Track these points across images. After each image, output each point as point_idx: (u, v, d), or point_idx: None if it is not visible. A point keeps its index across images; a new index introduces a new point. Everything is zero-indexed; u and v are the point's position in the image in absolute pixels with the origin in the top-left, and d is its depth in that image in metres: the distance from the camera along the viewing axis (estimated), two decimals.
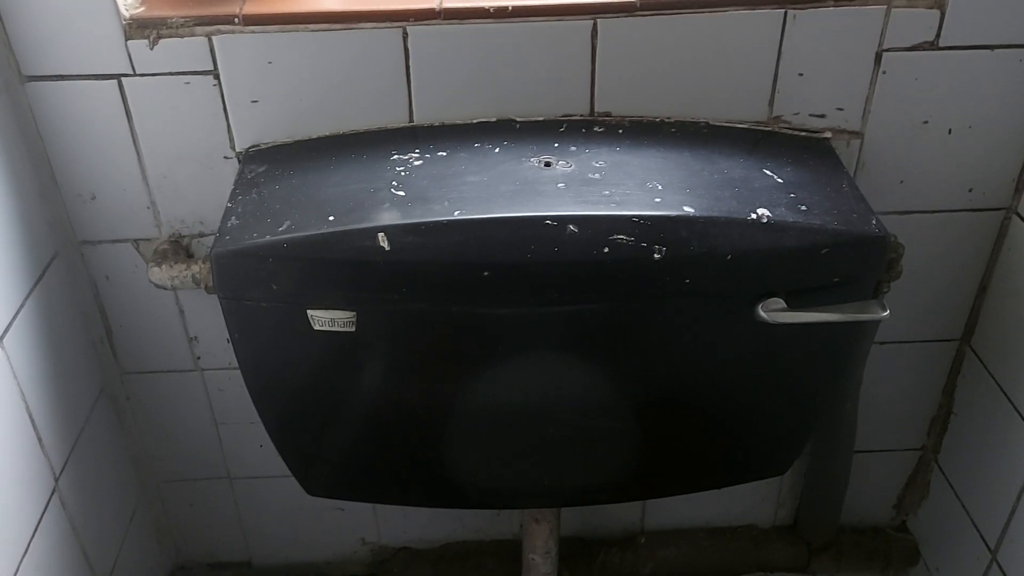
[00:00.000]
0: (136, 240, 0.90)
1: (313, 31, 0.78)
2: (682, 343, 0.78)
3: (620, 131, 0.82)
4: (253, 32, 0.78)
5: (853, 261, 0.74)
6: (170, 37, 0.78)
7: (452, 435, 0.84)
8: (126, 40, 0.78)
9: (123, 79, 0.80)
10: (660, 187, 0.74)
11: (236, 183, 0.80)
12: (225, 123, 0.83)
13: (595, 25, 0.79)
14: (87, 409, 0.95)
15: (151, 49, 0.78)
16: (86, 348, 0.95)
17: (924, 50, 0.81)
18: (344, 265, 0.71)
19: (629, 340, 0.77)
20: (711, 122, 0.84)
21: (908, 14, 0.79)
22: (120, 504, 1.03)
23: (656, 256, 0.69)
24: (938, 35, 0.80)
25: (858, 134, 0.86)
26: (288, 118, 0.83)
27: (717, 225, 0.70)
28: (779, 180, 0.77)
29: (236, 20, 0.77)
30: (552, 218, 0.70)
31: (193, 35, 0.78)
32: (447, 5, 0.77)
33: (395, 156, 0.79)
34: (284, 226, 0.72)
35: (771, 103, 0.84)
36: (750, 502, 1.17)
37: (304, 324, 0.73)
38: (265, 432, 0.84)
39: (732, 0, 0.78)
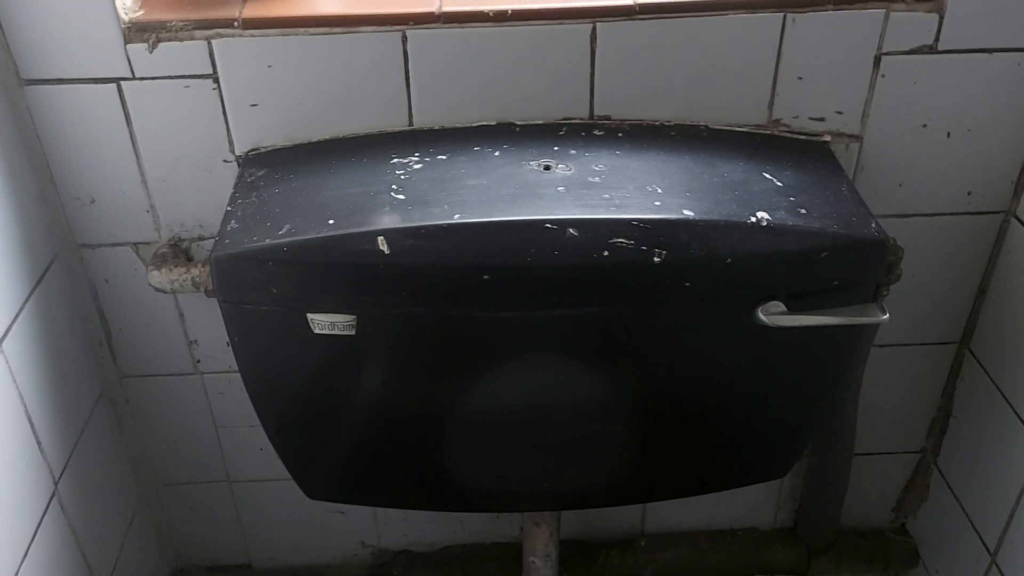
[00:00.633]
0: (135, 243, 0.90)
1: (313, 35, 0.78)
2: (682, 346, 0.78)
3: (620, 134, 0.82)
4: (252, 36, 0.78)
5: (852, 264, 0.74)
6: (169, 41, 0.78)
7: (452, 438, 0.83)
8: (125, 44, 0.78)
9: (122, 83, 0.80)
10: (660, 190, 0.74)
11: (236, 187, 0.80)
12: (225, 126, 0.83)
13: (594, 29, 0.79)
14: (87, 412, 0.94)
15: (150, 53, 0.78)
16: (85, 352, 0.95)
17: (923, 54, 0.81)
18: (344, 269, 0.71)
19: (629, 343, 0.77)
20: (711, 125, 0.84)
21: (907, 18, 0.79)
22: (120, 507, 1.03)
23: (656, 260, 0.70)
24: (937, 39, 0.80)
25: (857, 137, 0.86)
26: (288, 122, 0.83)
27: (717, 228, 0.70)
28: (778, 183, 0.77)
29: (235, 24, 0.77)
30: (552, 221, 0.70)
31: (192, 39, 0.78)
32: (447, 9, 0.77)
33: (395, 160, 0.79)
34: (284, 230, 0.72)
35: (770, 106, 0.84)
36: (750, 505, 1.17)
37: (304, 328, 0.73)
38: (265, 435, 0.84)
39: (731, 4, 0.78)
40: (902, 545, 1.18)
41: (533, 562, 1.05)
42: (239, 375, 0.79)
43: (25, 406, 0.82)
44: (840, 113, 0.84)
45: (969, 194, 0.90)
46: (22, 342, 0.81)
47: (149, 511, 1.10)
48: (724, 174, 0.77)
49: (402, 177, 0.76)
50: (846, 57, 0.81)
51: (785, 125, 0.85)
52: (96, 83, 0.80)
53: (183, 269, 0.86)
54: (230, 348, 0.78)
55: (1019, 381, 0.93)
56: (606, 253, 0.69)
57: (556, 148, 0.80)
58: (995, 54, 0.81)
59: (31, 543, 0.82)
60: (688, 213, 0.71)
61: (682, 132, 0.83)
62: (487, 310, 0.73)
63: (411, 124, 0.84)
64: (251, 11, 0.78)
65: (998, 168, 0.89)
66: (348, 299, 0.72)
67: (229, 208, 0.77)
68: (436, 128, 0.84)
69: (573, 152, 0.79)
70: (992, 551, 1.00)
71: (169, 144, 0.84)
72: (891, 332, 1.00)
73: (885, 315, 0.74)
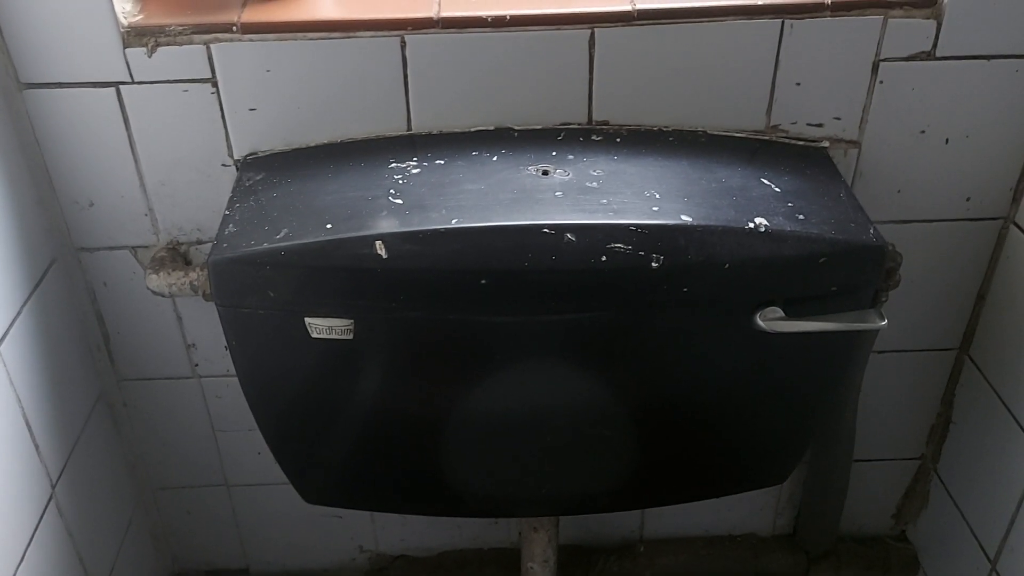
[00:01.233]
0: (134, 247, 0.90)
1: (311, 39, 0.78)
2: (680, 352, 0.78)
3: (618, 140, 0.82)
4: (251, 40, 0.78)
5: (851, 270, 0.74)
6: (168, 45, 0.78)
7: (450, 443, 0.83)
8: (124, 48, 0.78)
9: (121, 87, 0.80)
10: (658, 196, 0.74)
11: (234, 190, 0.80)
12: (223, 131, 0.83)
13: (592, 34, 0.79)
14: (84, 416, 0.94)
15: (149, 57, 0.79)
16: (83, 355, 0.95)
17: (921, 60, 0.81)
18: (342, 273, 0.71)
19: (626, 349, 0.77)
20: (709, 131, 0.84)
21: (905, 24, 0.79)
22: (117, 511, 1.03)
23: (654, 265, 0.69)
24: (935, 45, 0.80)
25: (855, 143, 0.86)
26: (286, 126, 0.83)
27: (715, 234, 0.70)
28: (777, 189, 0.77)
29: (234, 28, 0.78)
30: (550, 226, 0.70)
31: (191, 43, 0.78)
32: (445, 14, 0.78)
33: (393, 164, 0.79)
34: (282, 234, 0.72)
35: (769, 112, 0.84)
36: (749, 510, 1.17)
37: (302, 332, 0.73)
38: (263, 439, 0.84)
39: (729, 10, 0.78)
40: (902, 552, 1.18)
41: (531, 567, 1.05)
42: (237, 379, 0.79)
43: (23, 409, 0.82)
44: (838, 119, 0.85)
45: (968, 200, 0.90)
46: (20, 345, 0.81)
47: (146, 515, 1.10)
48: (722, 179, 0.77)
49: (400, 182, 0.76)
50: (844, 63, 0.81)
51: (783, 131, 0.85)
52: (95, 87, 0.80)
53: (181, 273, 0.86)
54: (228, 352, 0.78)
55: (1019, 387, 0.93)
56: (604, 258, 0.69)
57: (554, 153, 0.80)
58: (993, 60, 0.81)
59: (28, 546, 0.82)
60: (686, 218, 0.71)
61: (680, 137, 0.83)
62: (485, 315, 0.73)
63: (409, 129, 0.84)
64: (250, 16, 0.78)
65: (996, 174, 0.89)
66: (346, 303, 0.72)
67: (227, 212, 0.77)
68: (434, 133, 0.84)
69: (571, 157, 0.79)
70: (992, 558, 1.00)
71: (167, 148, 0.84)
72: (890, 338, 0.99)
73: (884, 321, 0.74)
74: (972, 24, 0.79)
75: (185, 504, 1.11)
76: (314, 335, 0.73)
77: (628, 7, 0.78)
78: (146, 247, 0.90)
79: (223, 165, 0.85)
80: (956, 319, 1.00)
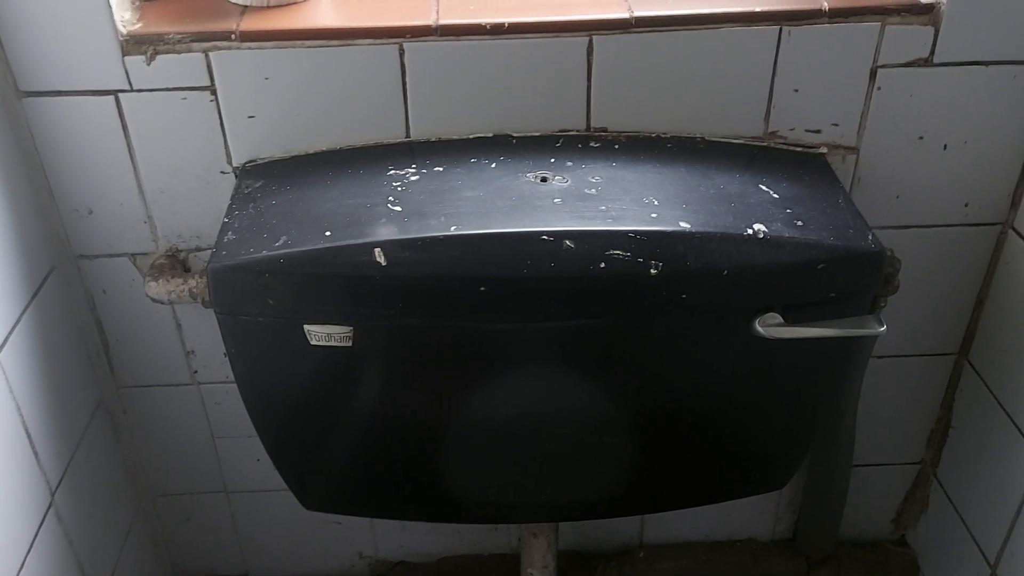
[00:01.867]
0: (133, 254, 0.90)
1: (310, 47, 0.78)
2: (679, 358, 0.78)
3: (616, 146, 0.82)
4: (250, 48, 0.78)
5: (849, 276, 0.74)
6: (167, 53, 0.78)
7: (449, 450, 0.83)
8: (123, 56, 0.78)
9: (120, 95, 0.80)
10: (656, 202, 0.74)
11: (233, 198, 0.80)
12: (222, 138, 0.83)
13: (591, 41, 0.79)
14: (84, 423, 0.94)
15: (148, 65, 0.79)
16: (83, 362, 0.95)
17: (919, 66, 0.81)
18: (341, 280, 0.71)
19: (626, 355, 0.77)
20: (707, 137, 0.85)
21: (902, 31, 0.80)
22: (117, 518, 1.03)
23: (652, 271, 0.70)
24: (932, 51, 0.81)
25: (854, 149, 0.86)
26: (285, 133, 0.83)
27: (713, 240, 0.71)
28: (775, 195, 0.77)
29: (233, 36, 0.78)
30: (548, 233, 0.70)
31: (190, 51, 0.78)
32: (443, 22, 0.78)
33: (392, 171, 0.79)
34: (280, 241, 0.72)
35: (767, 119, 0.84)
36: (749, 516, 1.17)
37: (301, 339, 0.73)
38: (262, 446, 0.84)
39: (727, 16, 0.78)
40: (902, 557, 1.18)
41: (531, 573, 1.05)
42: (236, 386, 0.79)
43: (22, 416, 0.82)
44: (836, 125, 0.85)
45: (966, 205, 0.90)
46: (19, 352, 0.81)
47: (146, 521, 1.10)
48: (720, 186, 0.77)
49: (399, 189, 0.76)
50: (842, 70, 0.81)
51: (781, 137, 0.85)
52: (94, 95, 0.80)
53: (180, 280, 0.86)
54: (227, 359, 0.78)
55: (1018, 392, 0.93)
56: (602, 265, 0.69)
57: (553, 160, 0.80)
58: (991, 66, 0.81)
59: (28, 553, 0.82)
60: (684, 225, 0.71)
61: (678, 144, 0.84)
62: (484, 322, 0.73)
63: (408, 136, 0.84)
64: (249, 24, 0.78)
65: (995, 179, 0.89)
66: (345, 311, 0.72)
67: (226, 219, 0.77)
68: (433, 140, 0.84)
69: (570, 164, 0.79)
70: (992, 563, 1.00)
71: (167, 155, 0.84)
72: (890, 343, 0.99)
73: (882, 327, 0.74)
74: (970, 30, 0.79)
75: (185, 511, 1.11)
76: (313, 342, 0.73)
77: (626, 14, 0.78)
78: (145, 254, 0.90)
79: (222, 172, 0.85)
80: (955, 324, 1.00)
